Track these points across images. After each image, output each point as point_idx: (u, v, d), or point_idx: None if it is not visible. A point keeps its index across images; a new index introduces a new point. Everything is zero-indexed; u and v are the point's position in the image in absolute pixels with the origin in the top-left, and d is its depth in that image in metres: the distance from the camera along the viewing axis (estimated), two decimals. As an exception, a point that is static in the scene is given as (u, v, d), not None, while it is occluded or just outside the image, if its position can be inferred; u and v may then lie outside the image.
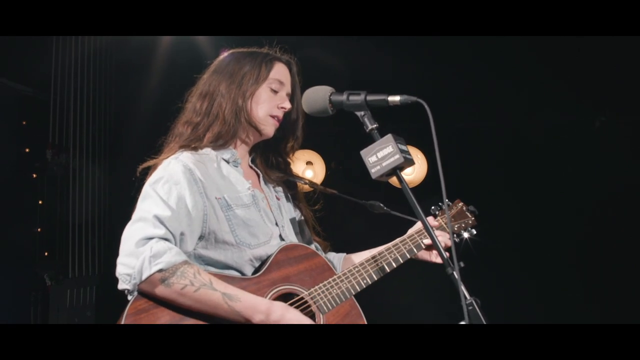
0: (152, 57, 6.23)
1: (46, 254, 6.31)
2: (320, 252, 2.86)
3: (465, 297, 2.01)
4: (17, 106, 6.21)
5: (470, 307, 2.01)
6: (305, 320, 2.32)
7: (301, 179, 2.93)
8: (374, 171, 2.17)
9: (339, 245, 3.07)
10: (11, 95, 6.12)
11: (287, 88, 2.75)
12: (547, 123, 6.12)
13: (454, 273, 2.05)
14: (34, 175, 6.34)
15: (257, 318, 2.25)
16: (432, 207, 3.00)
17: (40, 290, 6.20)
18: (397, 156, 2.15)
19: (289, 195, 2.89)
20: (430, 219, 2.93)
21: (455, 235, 3.03)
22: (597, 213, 5.93)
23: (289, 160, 2.89)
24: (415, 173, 6.46)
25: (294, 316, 2.30)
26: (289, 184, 2.90)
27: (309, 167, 6.60)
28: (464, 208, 3.11)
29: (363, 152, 2.18)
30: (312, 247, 2.78)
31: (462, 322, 1.99)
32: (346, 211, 3.22)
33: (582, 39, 4.17)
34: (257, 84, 2.65)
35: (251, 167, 2.79)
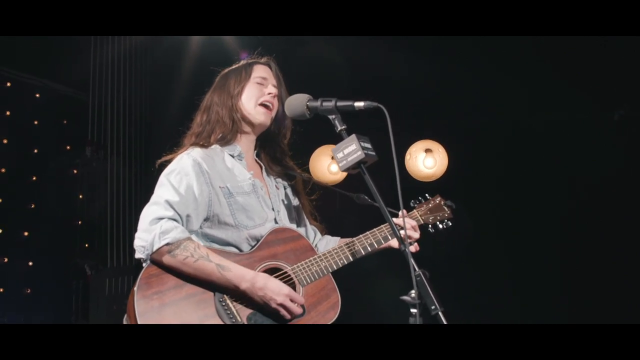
0: (183, 56, 6.74)
1: (86, 245, 6.91)
2: (317, 235, 3.46)
3: (415, 269, 2.44)
4: (59, 106, 6.84)
5: (419, 278, 2.46)
6: (285, 288, 2.88)
7: (297, 172, 3.45)
8: (341, 165, 2.66)
9: (335, 229, 3.57)
10: (53, 95, 6.76)
11: (272, 81, 3.30)
12: (549, 120, 6.42)
13: (406, 250, 2.51)
14: (75, 171, 6.98)
15: (244, 285, 2.83)
16: (412, 201, 3.49)
17: (81, 280, 6.79)
18: (359, 152, 2.61)
19: (289, 186, 3.44)
20: (405, 212, 3.41)
21: (430, 226, 3.50)
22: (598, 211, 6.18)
23: (287, 155, 3.43)
24: (437, 166, 6.85)
25: (275, 284, 2.87)
26: (290, 176, 3.45)
27: (333, 162, 7.02)
28: (442, 202, 3.56)
29: (333, 149, 2.68)
30: (303, 231, 3.34)
31: (412, 292, 2.42)
32: (342, 201, 3.70)
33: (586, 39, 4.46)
34: (241, 85, 3.24)
35: (256, 160, 3.35)
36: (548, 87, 6.17)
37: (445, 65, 6.19)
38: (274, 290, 2.86)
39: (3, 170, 6.28)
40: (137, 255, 2.85)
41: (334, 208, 5.51)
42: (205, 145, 3.16)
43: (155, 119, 7.33)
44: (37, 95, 6.66)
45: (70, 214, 6.85)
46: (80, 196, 6.96)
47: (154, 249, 2.78)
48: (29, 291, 6.40)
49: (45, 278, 6.50)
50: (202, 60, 6.60)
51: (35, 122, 6.63)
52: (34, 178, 6.58)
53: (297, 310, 2.91)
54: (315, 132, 3.57)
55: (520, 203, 6.49)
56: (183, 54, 6.72)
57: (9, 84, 6.41)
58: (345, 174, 6.91)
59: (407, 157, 6.96)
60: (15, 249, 6.31)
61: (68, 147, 6.98)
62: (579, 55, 5.76)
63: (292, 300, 2.90)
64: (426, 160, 6.90)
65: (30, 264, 6.46)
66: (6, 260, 6.24)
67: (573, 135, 6.24)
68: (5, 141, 6.29)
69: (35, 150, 6.63)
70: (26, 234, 6.47)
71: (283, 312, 2.88)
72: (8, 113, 6.37)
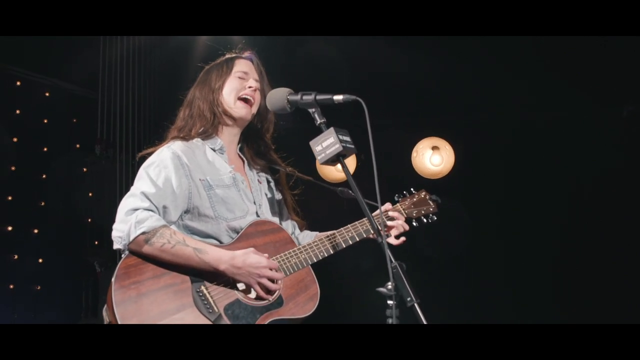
0: (190, 55, 6.70)
1: (96, 243, 6.95)
2: (296, 230, 3.48)
3: (391, 261, 2.46)
4: (68, 105, 6.92)
5: (395, 270, 2.46)
6: (264, 261, 2.93)
7: (282, 166, 3.48)
8: (320, 158, 2.67)
9: (317, 224, 3.57)
10: (62, 94, 6.85)
11: (253, 75, 3.33)
12: (550, 120, 6.45)
13: (383, 242, 2.50)
14: (84, 170, 7.06)
15: (222, 267, 2.88)
16: (396, 195, 3.52)
17: (90, 277, 6.85)
18: (337, 145, 2.63)
19: (272, 180, 3.48)
20: (388, 205, 3.45)
21: (414, 220, 3.49)
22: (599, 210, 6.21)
23: (271, 149, 3.46)
24: (443, 164, 6.88)
25: (254, 259, 2.92)
26: (273, 170, 3.49)
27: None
28: (427, 197, 3.56)
29: (311, 142, 2.69)
30: (285, 224, 3.38)
31: (388, 283, 2.42)
32: (325, 195, 3.72)
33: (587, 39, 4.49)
34: (222, 79, 3.28)
35: (238, 155, 3.39)
36: (550, 87, 6.19)
37: (447, 65, 6.21)
38: (253, 265, 2.91)
39: (13, 168, 6.35)
40: (115, 246, 2.90)
41: (341, 207, 5.56)
42: (186, 138, 3.21)
43: (164, 117, 7.34)
44: (47, 94, 6.75)
45: (79, 212, 6.90)
46: (90, 194, 7.02)
47: (131, 238, 2.82)
48: (38, 288, 6.47)
49: (55, 275, 6.56)
50: (207, 59, 6.65)
51: (45, 121, 6.71)
52: (44, 176, 6.66)
53: (278, 275, 2.98)
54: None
55: (527, 202, 6.50)
56: (189, 52, 6.74)
57: (18, 83, 6.49)
58: (350, 171, 6.96)
59: (414, 154, 6.98)
60: (25, 246, 6.38)
61: (77, 146, 7.05)
62: (579, 55, 5.77)
63: (271, 271, 2.96)
64: (433, 157, 6.93)
65: (40, 261, 6.53)
66: (16, 257, 6.32)
67: (575, 135, 6.25)
68: (15, 139, 6.36)
69: (45, 149, 6.71)
70: (36, 231, 6.54)
71: (266, 282, 2.94)
72: (18, 112, 6.45)
